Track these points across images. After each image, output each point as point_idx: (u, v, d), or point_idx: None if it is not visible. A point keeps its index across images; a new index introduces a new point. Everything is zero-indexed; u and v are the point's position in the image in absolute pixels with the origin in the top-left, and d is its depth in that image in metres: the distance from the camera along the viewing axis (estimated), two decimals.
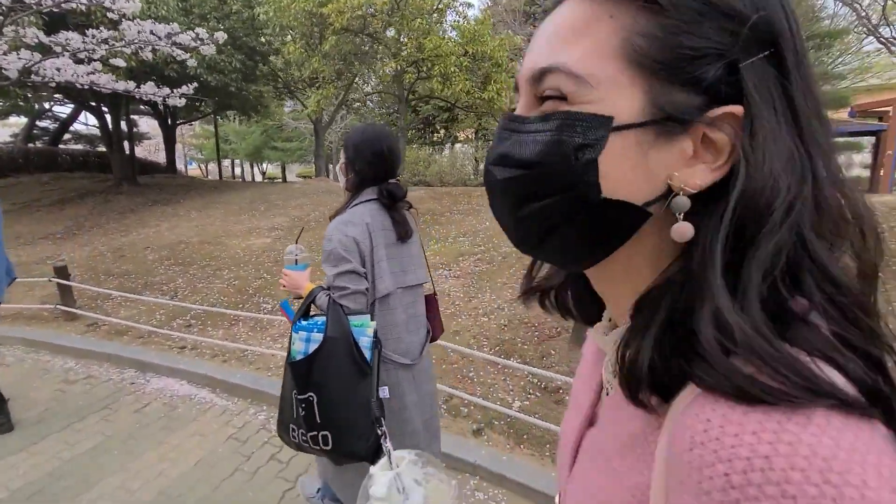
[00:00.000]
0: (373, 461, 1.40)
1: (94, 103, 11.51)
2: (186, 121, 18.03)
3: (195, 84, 6.22)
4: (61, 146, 19.20)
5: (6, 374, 3.71)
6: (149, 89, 5.97)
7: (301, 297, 1.49)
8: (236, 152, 31.90)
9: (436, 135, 24.36)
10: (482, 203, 7.56)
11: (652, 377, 0.31)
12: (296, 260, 1.60)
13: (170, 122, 15.54)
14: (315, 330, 1.37)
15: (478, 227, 6.50)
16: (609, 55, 0.32)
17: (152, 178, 14.02)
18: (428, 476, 0.55)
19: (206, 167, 38.58)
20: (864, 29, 12.91)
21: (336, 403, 1.32)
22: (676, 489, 0.27)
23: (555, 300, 0.48)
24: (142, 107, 15.49)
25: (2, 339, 4.33)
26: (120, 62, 5.83)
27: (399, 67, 7.51)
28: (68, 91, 9.97)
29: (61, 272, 4.57)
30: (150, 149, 28.36)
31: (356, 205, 1.49)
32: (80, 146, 21.99)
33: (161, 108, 14.77)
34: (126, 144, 12.56)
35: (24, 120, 20.23)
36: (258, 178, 37.41)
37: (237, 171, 39.93)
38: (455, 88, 7.15)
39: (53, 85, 5.49)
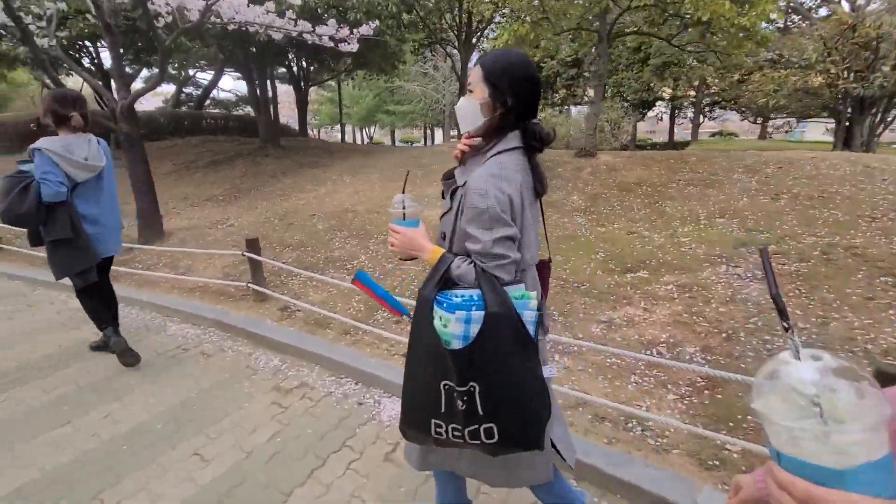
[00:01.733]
0: (542, 448, 1.20)
1: (241, 65, 11.42)
2: (316, 83, 17.95)
3: (374, 24, 5.25)
4: (204, 111, 20.45)
5: (210, 368, 3.10)
6: (326, 31, 5.13)
7: (410, 260, 1.33)
8: (349, 116, 32.33)
9: (556, 95, 22.07)
10: (713, 171, 5.80)
11: None
12: (403, 214, 1.26)
13: (302, 85, 15.41)
14: (473, 307, 1.08)
15: (734, 205, 4.85)
16: None
17: (289, 141, 14.04)
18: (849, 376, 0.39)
19: (319, 132, 39.96)
20: None
21: (502, 391, 1.10)
22: None
23: None
24: (273, 71, 15.55)
25: (196, 318, 3.83)
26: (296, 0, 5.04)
27: None
28: (224, 49, 9.82)
29: (252, 245, 3.92)
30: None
31: (499, 153, 1.17)
32: (217, 111, 23.48)
33: (295, 70, 14.63)
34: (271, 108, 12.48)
35: (172, 88, 21.98)
36: (366, 142, 37.96)
37: (347, 136, 40.95)
38: (720, 7, 5.30)
39: (233, 27, 4.86)
